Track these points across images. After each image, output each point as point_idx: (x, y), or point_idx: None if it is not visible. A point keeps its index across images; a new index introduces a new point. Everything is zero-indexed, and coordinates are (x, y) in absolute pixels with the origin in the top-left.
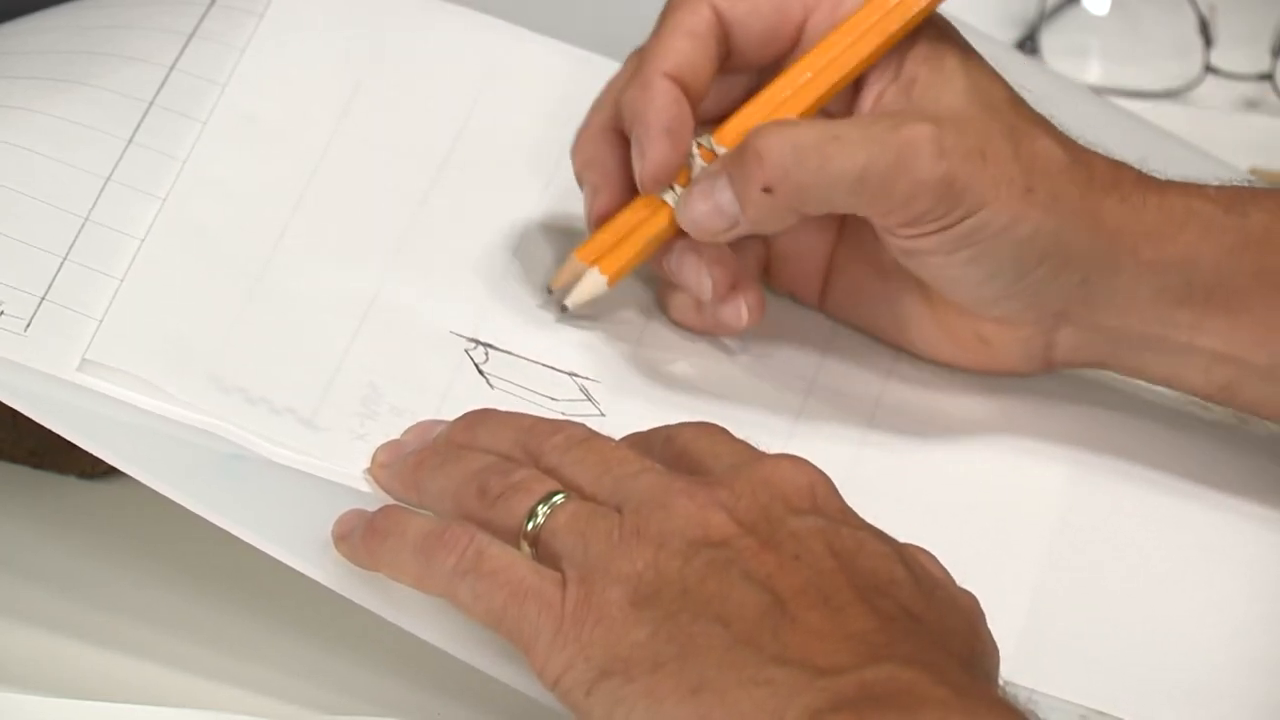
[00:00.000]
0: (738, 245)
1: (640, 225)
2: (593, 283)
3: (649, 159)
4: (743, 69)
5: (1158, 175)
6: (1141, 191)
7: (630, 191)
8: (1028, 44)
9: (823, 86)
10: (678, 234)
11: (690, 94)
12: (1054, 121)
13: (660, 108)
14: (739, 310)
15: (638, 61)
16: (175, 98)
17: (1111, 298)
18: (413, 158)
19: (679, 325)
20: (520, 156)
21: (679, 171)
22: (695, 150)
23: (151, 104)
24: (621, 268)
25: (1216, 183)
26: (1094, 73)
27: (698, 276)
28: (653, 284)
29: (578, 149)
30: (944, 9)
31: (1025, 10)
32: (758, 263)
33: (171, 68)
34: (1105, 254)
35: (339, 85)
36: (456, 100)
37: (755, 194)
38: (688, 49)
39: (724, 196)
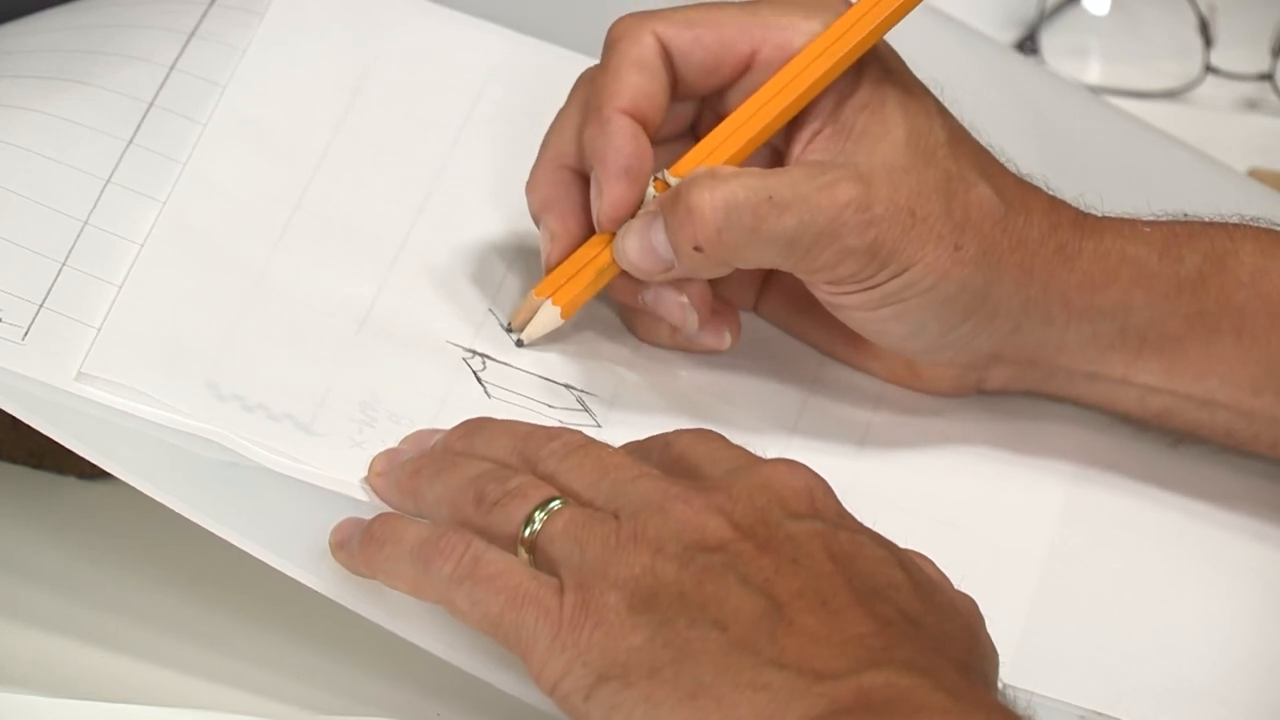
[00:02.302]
0: None
1: (594, 258)
2: (547, 316)
3: (606, 200)
4: (687, 97)
5: (1094, 211)
6: (1078, 238)
7: (586, 230)
8: (1028, 44)
9: (772, 128)
10: None
11: (647, 127)
12: (996, 156)
13: (618, 147)
14: (721, 336)
15: (590, 95)
16: (175, 98)
17: (1043, 343)
18: (411, 161)
19: (650, 344)
20: (519, 161)
21: (636, 209)
22: (651, 185)
23: (151, 104)
24: (574, 300)
25: (1151, 218)
26: (1094, 73)
27: (681, 311)
28: None
29: (533, 188)
30: (945, 9)
31: (1025, 10)
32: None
33: (171, 68)
34: (1037, 304)
35: (338, 88)
36: (455, 104)
37: (686, 249)
38: (640, 82)
39: (659, 241)
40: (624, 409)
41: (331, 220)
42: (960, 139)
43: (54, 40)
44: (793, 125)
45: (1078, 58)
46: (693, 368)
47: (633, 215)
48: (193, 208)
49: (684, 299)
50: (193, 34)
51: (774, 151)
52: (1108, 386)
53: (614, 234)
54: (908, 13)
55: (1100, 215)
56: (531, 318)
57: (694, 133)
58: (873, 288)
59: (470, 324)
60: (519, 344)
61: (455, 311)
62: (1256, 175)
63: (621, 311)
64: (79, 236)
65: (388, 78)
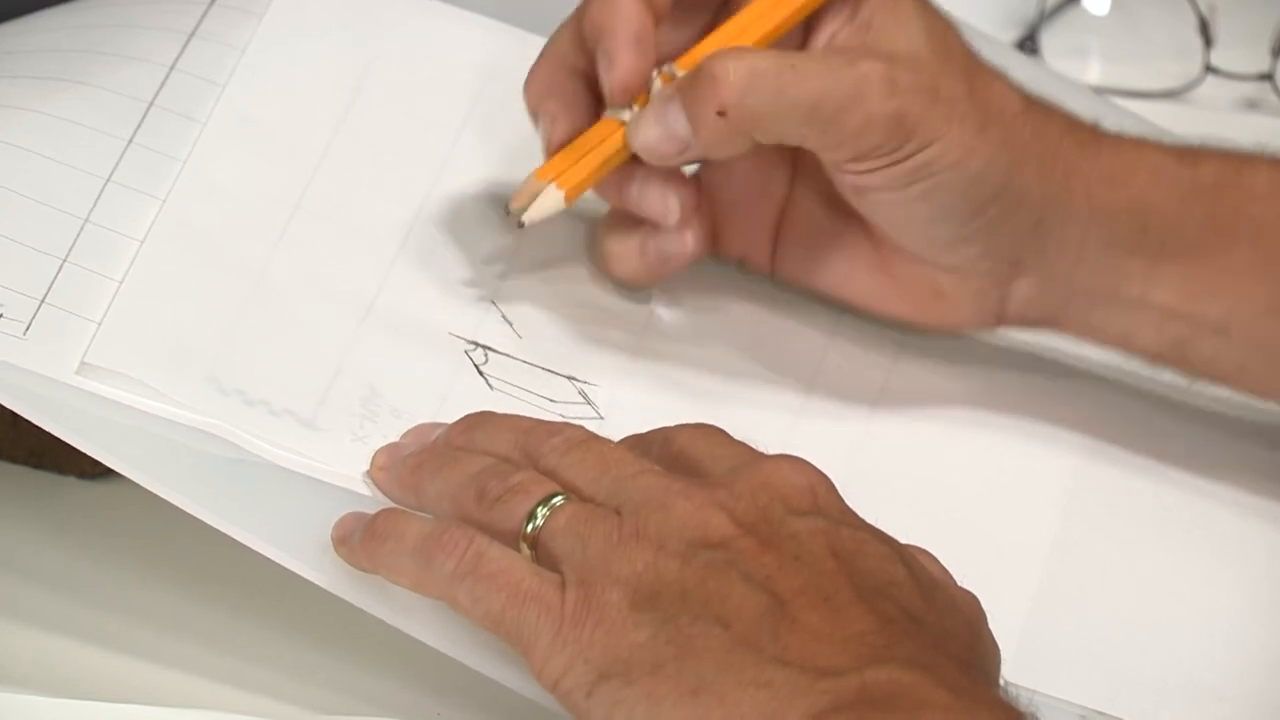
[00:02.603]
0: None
1: (598, 145)
2: (550, 199)
3: (618, 67)
4: (697, 6)
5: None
6: (1096, 138)
7: (586, 119)
8: (1028, 44)
9: (781, 16)
10: (636, 159)
11: (655, 14)
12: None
13: (626, 17)
14: (684, 238)
15: None
16: (175, 98)
17: (1064, 245)
18: (412, 159)
19: (621, 278)
20: (519, 158)
21: (646, 84)
22: (656, 76)
23: (151, 104)
24: (578, 184)
25: (1169, 139)
26: (1094, 73)
27: (663, 201)
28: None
29: (531, 82)
30: (945, 9)
31: (1025, 10)
32: (705, 205)
33: (171, 67)
34: (1059, 196)
35: (338, 86)
36: (456, 101)
37: (709, 116)
38: None
39: (677, 119)
40: (626, 401)
41: (332, 219)
42: (974, 50)
43: (54, 40)
44: (809, 28)
45: (1078, 58)
46: (696, 359)
47: (641, 90)
48: (193, 206)
49: (666, 187)
50: (193, 34)
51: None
52: (1126, 311)
53: (617, 121)
54: None
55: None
56: (532, 201)
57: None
58: (898, 162)
59: (472, 316)
60: (520, 225)
61: (456, 305)
62: None
63: (595, 244)
64: (80, 233)
65: (388, 77)
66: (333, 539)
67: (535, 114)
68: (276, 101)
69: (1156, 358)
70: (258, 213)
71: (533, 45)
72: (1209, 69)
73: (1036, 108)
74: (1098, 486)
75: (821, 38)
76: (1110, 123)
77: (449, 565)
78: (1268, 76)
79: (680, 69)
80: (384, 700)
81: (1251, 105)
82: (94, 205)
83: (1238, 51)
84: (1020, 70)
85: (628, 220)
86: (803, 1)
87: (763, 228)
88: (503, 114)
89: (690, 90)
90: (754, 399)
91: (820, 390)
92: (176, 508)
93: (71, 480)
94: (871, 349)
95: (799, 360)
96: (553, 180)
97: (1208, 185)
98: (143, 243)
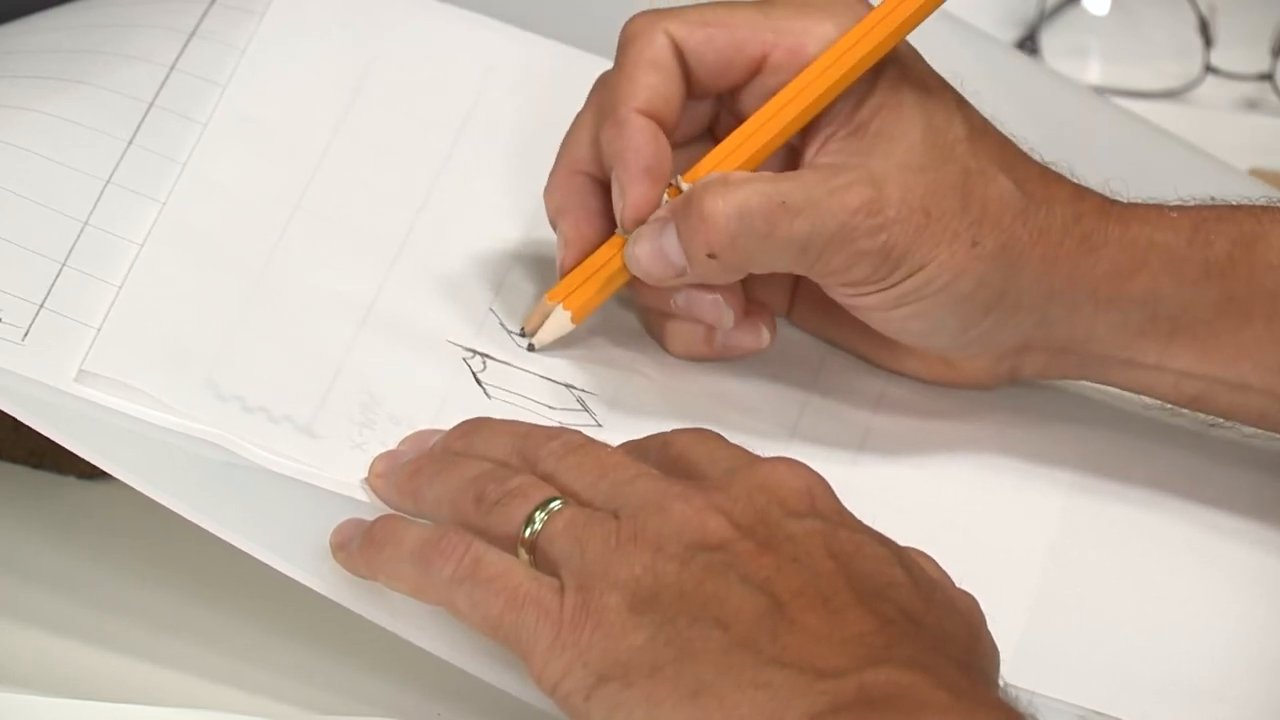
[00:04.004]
0: None
1: (605, 263)
2: (557, 320)
3: (629, 201)
4: (701, 96)
5: (1119, 198)
6: (1103, 226)
7: (600, 235)
8: (1028, 44)
9: (780, 127)
10: None
11: (665, 127)
12: (1020, 145)
13: (638, 147)
14: (759, 334)
15: (605, 98)
16: (175, 98)
17: (1073, 331)
18: (412, 160)
19: (683, 357)
20: (520, 158)
21: (658, 205)
22: (665, 193)
23: (152, 104)
24: (585, 304)
25: (1177, 202)
26: (1094, 73)
27: (715, 309)
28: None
29: (549, 193)
30: (945, 9)
31: (1025, 10)
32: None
33: (172, 67)
34: (1063, 293)
35: (339, 87)
36: (456, 101)
37: (699, 255)
38: (655, 82)
39: (671, 247)
40: (625, 408)
41: (331, 220)
42: (981, 132)
43: (54, 40)
44: (809, 126)
45: (1078, 58)
46: (693, 368)
47: (651, 213)
48: (193, 208)
49: (717, 296)
50: (193, 34)
51: (791, 151)
52: (1142, 372)
53: (623, 239)
54: (924, 18)
55: (1125, 202)
56: (543, 322)
57: (711, 134)
58: (888, 288)
59: (471, 323)
60: (530, 349)
61: (456, 311)
62: (1256, 175)
63: (651, 326)
64: (79, 237)
65: (388, 77)
66: (331, 545)
67: (552, 224)
68: (277, 102)
69: (1176, 404)
70: (257, 214)
71: (533, 45)
72: (1209, 69)
73: (1038, 203)
74: (1096, 490)
75: (817, 143)
76: (1106, 126)
77: (447, 570)
78: (1268, 76)
79: (687, 182)
80: (384, 701)
81: (1251, 105)
82: (93, 207)
83: (1238, 51)
84: (1022, 69)
85: None
86: (801, 112)
87: (781, 286)
88: (503, 114)
89: (683, 223)
90: (751, 406)
91: (819, 396)
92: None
93: (71, 480)
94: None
95: (796, 367)
96: (560, 301)
97: (1220, 265)
98: (142, 246)
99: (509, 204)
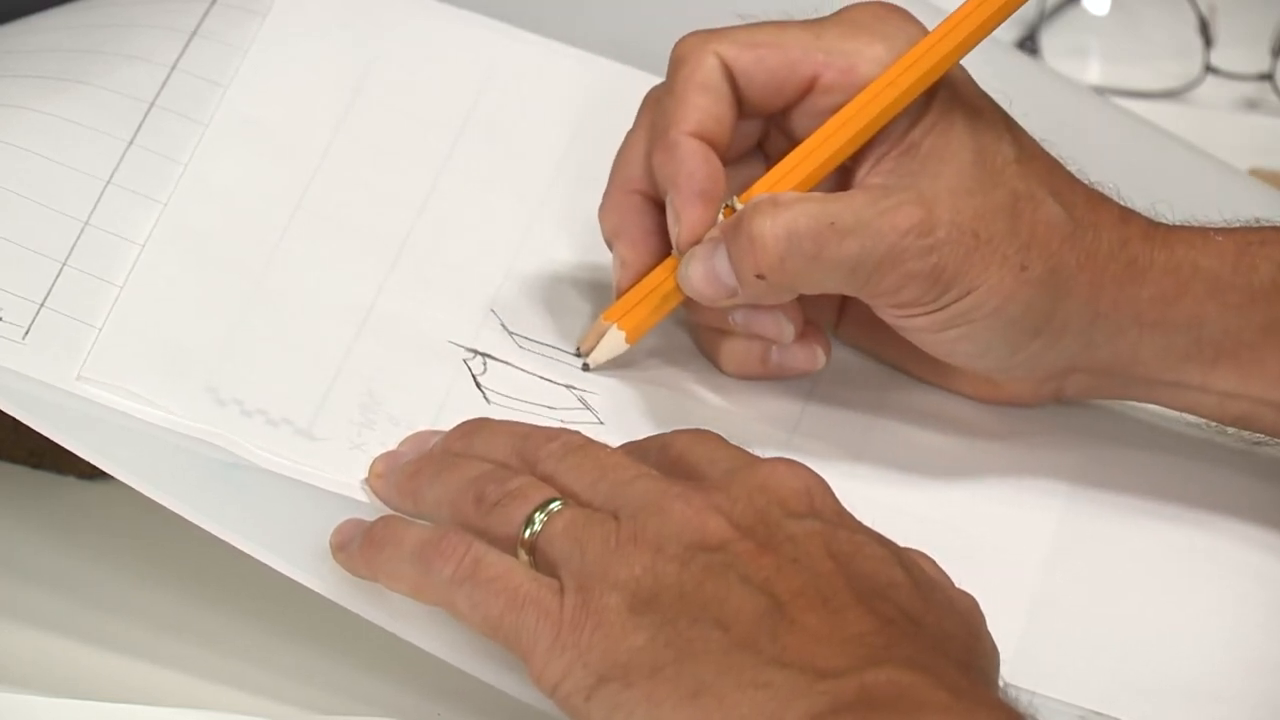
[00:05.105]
0: None
1: (659, 284)
2: (612, 340)
3: (685, 224)
4: (751, 116)
5: (1165, 220)
6: (1149, 250)
7: (657, 255)
8: (1028, 44)
9: (833, 149)
10: None
11: (717, 148)
12: (1067, 166)
13: (691, 171)
14: (813, 354)
15: (657, 119)
16: (176, 99)
17: (1117, 355)
18: (413, 161)
19: (737, 376)
20: (521, 160)
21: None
22: (719, 211)
23: (152, 105)
24: (639, 325)
25: (1222, 223)
26: (1094, 73)
27: (776, 324)
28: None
29: (604, 213)
30: (946, 8)
31: (1025, 10)
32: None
33: (173, 68)
34: (1108, 318)
35: (340, 87)
36: (457, 103)
37: (749, 277)
38: (706, 104)
39: (723, 268)
40: (625, 407)
41: (332, 220)
42: (1030, 156)
43: (54, 40)
44: (862, 147)
45: (1078, 58)
46: (695, 366)
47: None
48: (194, 208)
49: (777, 311)
50: (194, 34)
51: (843, 170)
52: (1187, 393)
53: (677, 259)
54: (980, 41)
55: (1171, 225)
56: (598, 342)
57: (761, 150)
58: (937, 310)
59: (471, 324)
60: (585, 368)
61: (456, 312)
62: (1256, 175)
63: (705, 345)
64: (80, 237)
65: (388, 77)
66: (331, 545)
67: (609, 245)
68: (278, 102)
69: (1221, 423)
70: (258, 215)
71: (533, 45)
72: (1209, 69)
73: (1085, 225)
74: (1097, 490)
75: (868, 164)
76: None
77: (447, 571)
78: (1268, 76)
79: (741, 203)
80: (384, 701)
81: (1251, 105)
82: (94, 208)
83: (1238, 51)
84: (1023, 69)
85: None
86: (858, 131)
87: (828, 303)
88: (503, 114)
89: (733, 244)
90: (752, 406)
91: (819, 397)
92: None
93: (71, 480)
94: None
95: None
96: (615, 322)
97: (1265, 291)
98: (143, 247)
99: (509, 204)
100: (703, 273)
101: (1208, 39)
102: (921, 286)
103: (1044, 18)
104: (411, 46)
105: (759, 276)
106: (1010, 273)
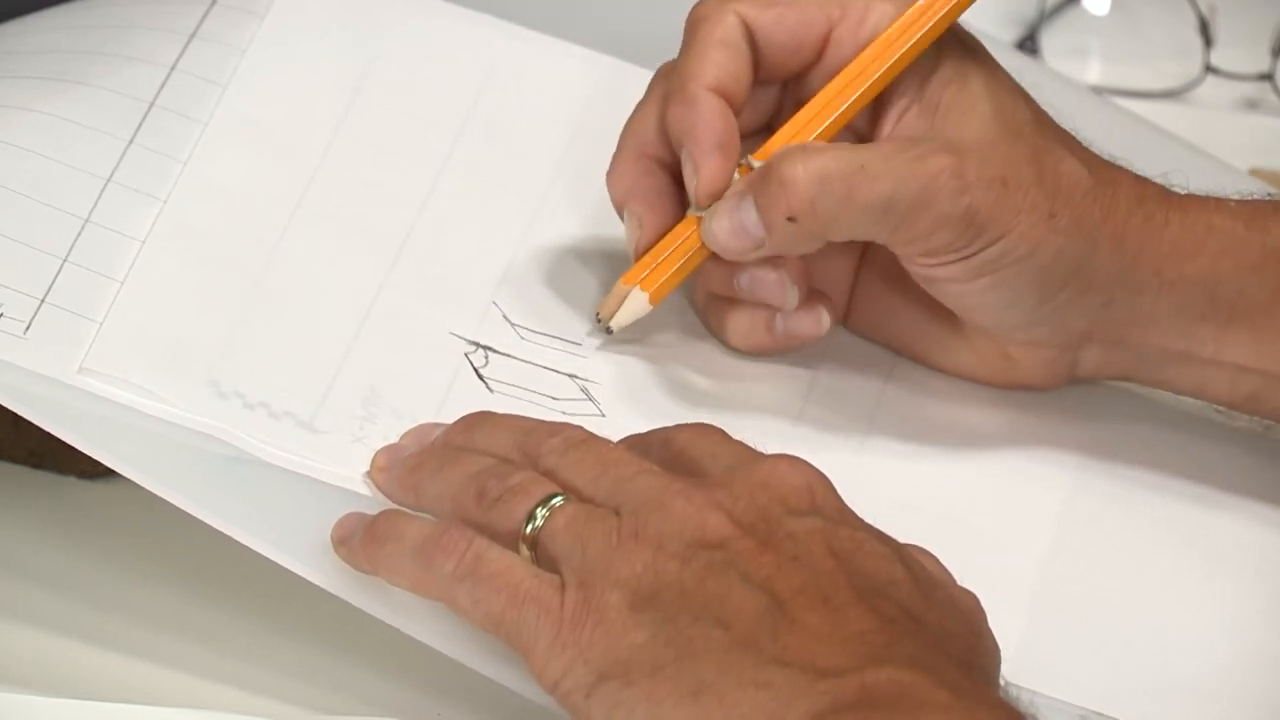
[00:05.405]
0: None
1: (681, 243)
2: (636, 303)
3: (704, 176)
4: (769, 80)
5: (1179, 189)
6: (1165, 209)
7: (673, 216)
8: (1028, 44)
9: (849, 102)
10: None
11: (733, 106)
12: (1078, 137)
13: (709, 123)
14: (819, 318)
15: (672, 80)
16: (176, 98)
17: (1134, 316)
18: (413, 159)
19: (741, 351)
20: (521, 157)
21: (730, 182)
22: (736, 171)
23: (152, 104)
24: (662, 286)
25: (1237, 196)
26: (1094, 73)
27: (780, 289)
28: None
29: (614, 178)
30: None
31: (1025, 10)
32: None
33: (172, 68)
34: (1128, 273)
35: (340, 86)
36: (457, 100)
37: (779, 221)
38: (725, 60)
39: (749, 218)
40: (628, 398)
41: (332, 220)
42: (1043, 119)
43: (54, 40)
44: (878, 106)
45: (1078, 58)
46: (697, 357)
47: (725, 189)
48: (194, 207)
49: (782, 275)
50: (194, 34)
51: (858, 137)
52: (1198, 368)
53: (696, 218)
54: None
55: (1185, 192)
56: (619, 306)
57: (771, 128)
58: (968, 257)
59: (473, 316)
60: (608, 333)
61: (457, 305)
62: (1256, 175)
63: (711, 319)
64: (80, 233)
65: (388, 77)
66: (333, 540)
67: (620, 212)
68: (278, 102)
69: (1230, 406)
70: (258, 213)
71: (532, 44)
72: (1209, 69)
73: (1105, 181)
74: (1097, 488)
75: (890, 120)
76: (1106, 126)
77: (448, 566)
78: (1268, 76)
79: (758, 161)
80: (384, 701)
81: (1251, 105)
82: (95, 205)
83: (1238, 51)
84: (1023, 68)
85: None
86: (869, 85)
87: (836, 289)
88: (503, 113)
89: (761, 192)
90: (755, 399)
91: (822, 387)
92: (177, 508)
93: (71, 480)
94: (872, 349)
95: (801, 358)
96: (637, 284)
97: (1278, 251)
98: (144, 243)
99: (510, 202)
100: (729, 225)
101: (1208, 39)
102: (954, 230)
103: (1044, 18)
104: (411, 46)
105: (790, 219)
106: (1040, 220)
